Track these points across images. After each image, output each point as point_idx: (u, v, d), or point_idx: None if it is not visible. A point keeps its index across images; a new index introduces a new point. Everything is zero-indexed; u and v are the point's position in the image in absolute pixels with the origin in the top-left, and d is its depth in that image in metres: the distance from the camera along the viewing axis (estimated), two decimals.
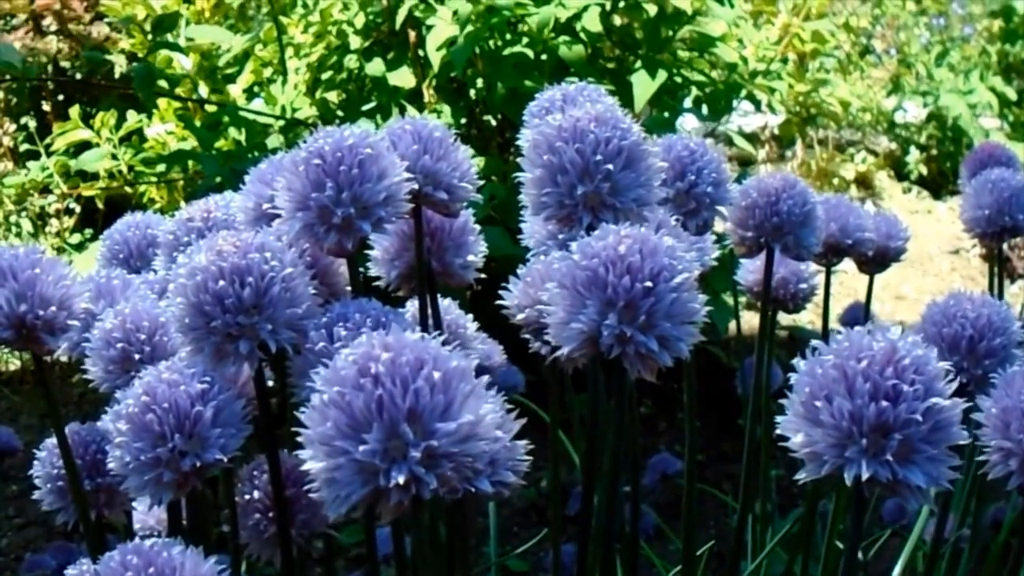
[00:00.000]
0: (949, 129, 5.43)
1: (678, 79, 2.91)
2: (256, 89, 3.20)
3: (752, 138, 4.80)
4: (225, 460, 1.01)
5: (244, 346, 0.99)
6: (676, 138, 1.26)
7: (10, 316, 1.07)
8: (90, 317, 1.15)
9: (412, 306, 1.24)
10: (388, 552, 1.29)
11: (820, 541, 1.58)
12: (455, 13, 2.67)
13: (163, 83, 2.79)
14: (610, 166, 1.03)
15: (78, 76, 3.97)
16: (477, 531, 2.28)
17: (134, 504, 1.23)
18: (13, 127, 3.96)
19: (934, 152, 5.49)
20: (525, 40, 2.78)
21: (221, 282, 0.98)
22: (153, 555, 0.85)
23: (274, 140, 2.79)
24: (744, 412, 1.72)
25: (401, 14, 2.76)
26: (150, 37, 2.73)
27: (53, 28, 3.89)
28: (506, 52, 2.78)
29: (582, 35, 2.78)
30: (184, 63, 3.14)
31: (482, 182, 1.21)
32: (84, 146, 3.23)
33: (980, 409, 0.98)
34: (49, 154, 3.53)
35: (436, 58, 2.68)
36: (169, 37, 2.83)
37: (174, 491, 1.01)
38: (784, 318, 2.43)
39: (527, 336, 1.21)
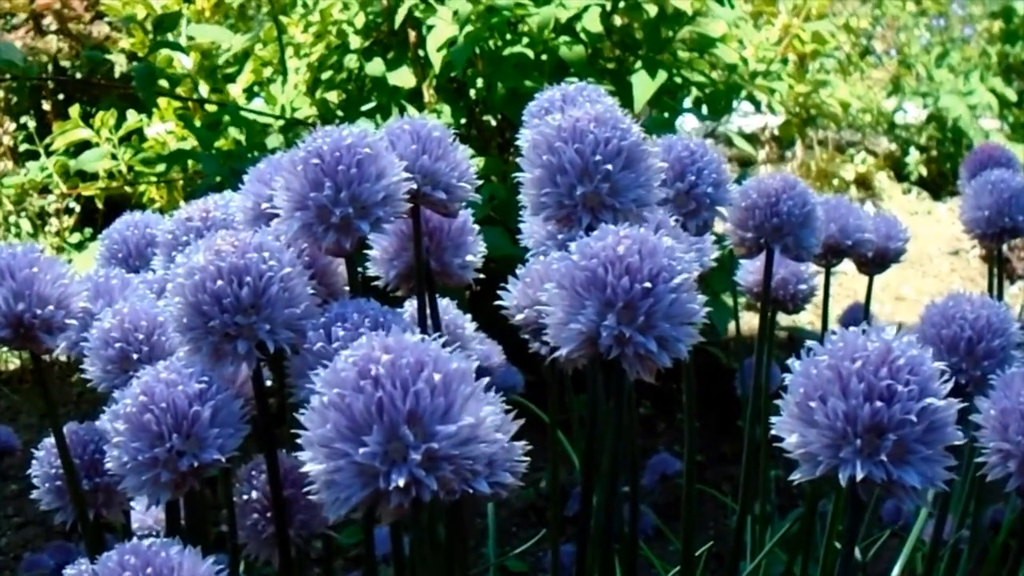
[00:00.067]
0: (949, 130, 5.43)
1: (678, 79, 2.91)
2: (256, 89, 3.20)
3: (752, 139, 4.80)
4: (223, 460, 1.01)
5: (242, 346, 0.99)
6: (676, 138, 1.26)
7: (8, 315, 1.06)
8: (88, 316, 1.15)
9: (411, 306, 1.23)
10: (387, 552, 1.29)
11: (819, 542, 1.57)
12: (455, 13, 2.67)
13: (163, 83, 2.79)
14: (609, 166, 1.03)
15: (78, 75, 3.96)
16: (476, 531, 2.27)
17: (132, 504, 1.23)
18: (13, 126, 3.96)
19: (934, 153, 5.49)
20: (525, 40, 2.78)
21: (219, 282, 0.98)
22: (151, 555, 0.85)
23: (274, 140, 2.79)
24: (743, 413, 1.72)
25: (401, 14, 2.76)
26: (151, 36, 2.73)
27: (53, 27, 3.89)
28: (506, 52, 2.77)
29: (582, 35, 2.78)
30: (184, 63, 3.14)
31: (481, 182, 1.21)
32: (84, 146, 3.23)
33: (979, 411, 0.98)
34: (49, 154, 3.53)
35: (436, 58, 2.68)
36: (170, 36, 2.83)
37: (172, 491, 1.01)
38: (784, 319, 2.43)
39: (526, 336, 1.21)
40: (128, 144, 3.24)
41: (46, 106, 4.00)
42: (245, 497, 1.14)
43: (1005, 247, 1.68)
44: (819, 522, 1.73)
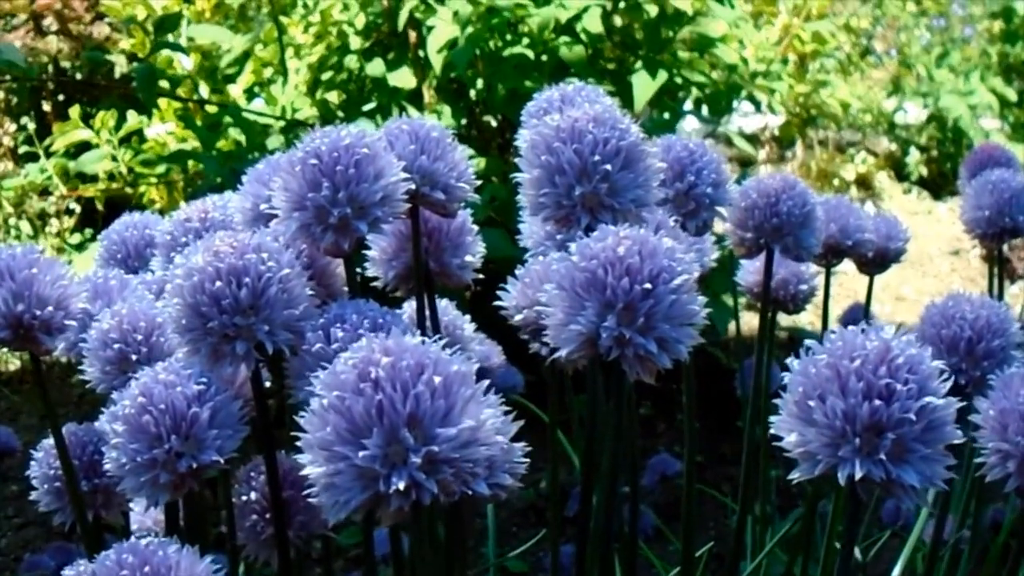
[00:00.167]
0: (949, 130, 5.43)
1: (678, 80, 2.91)
2: (256, 89, 3.20)
3: (752, 139, 4.79)
4: (222, 462, 1.01)
5: (241, 347, 0.99)
6: (675, 139, 1.25)
7: (7, 316, 1.06)
8: (87, 317, 1.15)
9: (410, 307, 1.23)
10: (386, 552, 1.29)
11: (819, 542, 1.57)
12: (455, 14, 2.67)
13: (164, 84, 2.79)
14: (608, 166, 1.03)
15: (78, 76, 3.96)
16: (476, 531, 2.27)
17: (131, 505, 1.23)
18: (13, 127, 3.95)
19: (934, 153, 5.49)
20: (525, 41, 2.78)
21: (218, 283, 0.98)
22: (149, 554, 0.85)
23: (274, 141, 2.79)
24: (743, 413, 1.71)
25: (402, 15, 2.76)
26: (151, 37, 2.73)
27: (54, 28, 3.89)
28: (506, 53, 2.77)
29: (582, 36, 2.78)
30: (185, 63, 3.14)
31: (480, 182, 1.21)
32: (84, 147, 3.23)
33: (978, 411, 0.98)
34: (48, 155, 3.53)
35: (437, 59, 2.68)
36: (170, 37, 2.83)
37: (170, 492, 1.01)
38: (784, 319, 2.42)
39: (526, 337, 1.21)
40: (128, 145, 3.24)
41: (46, 107, 4.00)
42: (244, 498, 1.13)
43: (1005, 247, 1.68)
44: (819, 522, 1.73)
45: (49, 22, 3.87)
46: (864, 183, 5.25)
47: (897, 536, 1.91)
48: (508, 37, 2.82)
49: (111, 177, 3.27)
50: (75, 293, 1.11)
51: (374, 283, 1.24)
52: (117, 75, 3.82)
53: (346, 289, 1.18)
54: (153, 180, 3.16)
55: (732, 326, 2.68)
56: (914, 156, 5.45)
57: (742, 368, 2.05)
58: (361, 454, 0.73)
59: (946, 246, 4.76)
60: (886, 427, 0.81)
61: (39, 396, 1.15)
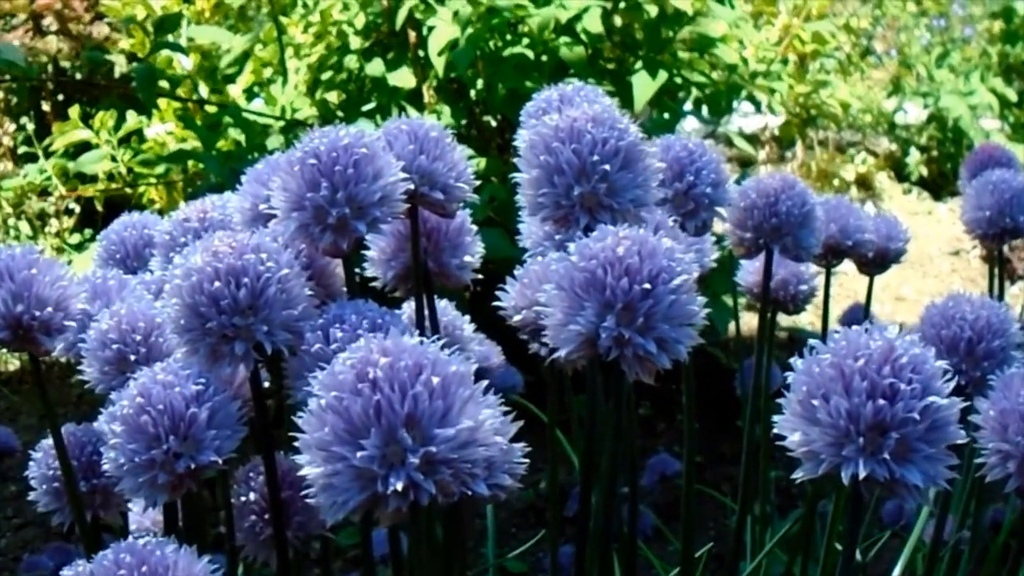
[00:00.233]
0: (949, 130, 5.43)
1: (678, 80, 2.90)
2: (256, 89, 3.20)
3: (752, 139, 4.79)
4: (220, 462, 1.00)
5: (239, 347, 0.99)
6: (674, 138, 1.25)
7: (7, 317, 1.06)
8: (86, 318, 1.15)
9: (409, 307, 1.23)
10: (385, 553, 1.29)
11: (819, 542, 1.57)
12: (455, 14, 2.67)
13: (164, 84, 2.79)
14: (607, 166, 1.03)
15: (78, 76, 3.96)
16: (476, 532, 2.27)
17: (130, 505, 1.23)
18: (12, 128, 3.95)
19: (934, 153, 5.48)
20: (525, 41, 2.78)
21: (217, 283, 0.98)
22: (146, 554, 0.85)
23: (274, 141, 2.79)
24: (743, 413, 1.71)
25: (401, 15, 2.76)
26: (151, 37, 2.73)
27: (53, 28, 3.89)
28: (506, 53, 2.77)
29: (582, 36, 2.78)
30: (185, 64, 3.14)
31: (479, 182, 1.21)
32: (83, 147, 3.23)
33: (978, 411, 0.98)
34: (48, 155, 3.53)
35: (438, 60, 2.67)
36: (170, 38, 2.83)
37: (169, 493, 1.01)
38: (784, 319, 2.42)
39: (525, 337, 1.20)
40: (128, 145, 3.24)
41: (45, 107, 4.00)
42: (243, 499, 1.13)
43: (1005, 247, 1.67)
44: (819, 522, 1.73)
45: (49, 22, 3.87)
46: (864, 183, 5.24)
47: (897, 536, 1.91)
48: (508, 37, 2.82)
49: (110, 177, 3.26)
50: (74, 294, 1.11)
51: (373, 283, 1.24)
52: (117, 75, 3.82)
53: (345, 289, 1.18)
54: (152, 180, 3.16)
55: (732, 326, 2.67)
56: (914, 156, 5.44)
57: (742, 368, 2.05)
58: (359, 454, 0.73)
59: (946, 246, 4.75)
60: (890, 426, 0.81)
61: (38, 396, 1.15)
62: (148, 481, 1.00)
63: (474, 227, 1.25)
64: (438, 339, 0.81)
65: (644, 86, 2.71)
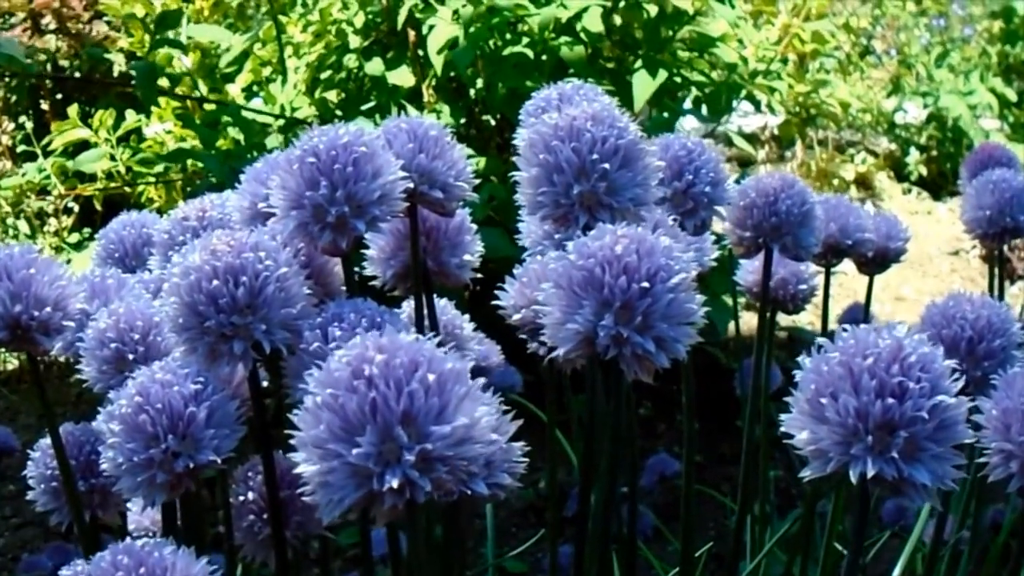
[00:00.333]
0: (949, 130, 5.43)
1: (678, 79, 2.90)
2: (255, 88, 3.20)
3: (752, 139, 4.79)
4: (218, 461, 1.00)
5: (238, 346, 0.99)
6: (673, 137, 1.25)
7: (5, 316, 1.06)
8: (85, 317, 1.15)
9: (408, 306, 1.23)
10: (385, 553, 1.29)
11: (819, 542, 1.57)
12: (455, 13, 2.67)
13: (163, 81, 2.78)
14: (606, 165, 1.03)
15: (77, 75, 3.96)
16: (475, 532, 2.27)
17: (128, 505, 1.23)
18: (11, 126, 3.95)
19: (934, 153, 5.48)
20: (525, 40, 2.77)
21: (215, 281, 0.98)
22: (144, 555, 0.84)
23: (273, 140, 2.79)
24: (743, 413, 1.71)
25: (402, 14, 2.75)
26: (151, 35, 2.72)
27: (52, 27, 3.88)
28: (506, 52, 2.77)
29: (582, 35, 2.77)
30: (184, 62, 3.14)
31: (478, 181, 1.21)
32: (82, 146, 3.22)
33: (980, 411, 0.97)
34: (47, 154, 3.52)
35: (437, 59, 2.67)
36: (171, 35, 2.83)
37: (167, 492, 1.01)
38: (783, 319, 2.42)
39: (524, 336, 1.20)
40: (127, 144, 3.23)
41: (44, 106, 3.99)
42: (241, 498, 1.13)
43: (1005, 247, 1.67)
44: (818, 522, 1.72)
45: (47, 21, 3.86)
46: (864, 183, 5.24)
47: (897, 536, 1.91)
48: (508, 36, 2.81)
49: (109, 176, 3.26)
50: (73, 293, 1.11)
51: (372, 282, 1.23)
52: (115, 74, 3.81)
53: (344, 288, 1.17)
54: (151, 179, 3.16)
55: (732, 326, 2.67)
56: (914, 156, 5.44)
57: (741, 368, 2.05)
58: (355, 452, 0.73)
59: (946, 246, 4.75)
60: (898, 425, 0.81)
61: (37, 396, 1.14)
62: (146, 480, 0.99)
63: (473, 226, 1.25)
64: (433, 336, 0.80)
65: (644, 85, 2.70)
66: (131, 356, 1.11)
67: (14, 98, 3.98)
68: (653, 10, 2.80)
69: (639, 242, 0.93)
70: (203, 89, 3.18)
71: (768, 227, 1.33)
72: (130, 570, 0.83)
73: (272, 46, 3.11)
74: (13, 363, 3.40)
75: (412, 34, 2.80)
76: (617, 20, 2.92)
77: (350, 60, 2.93)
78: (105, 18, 3.83)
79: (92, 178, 3.38)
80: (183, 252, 1.02)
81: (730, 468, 2.79)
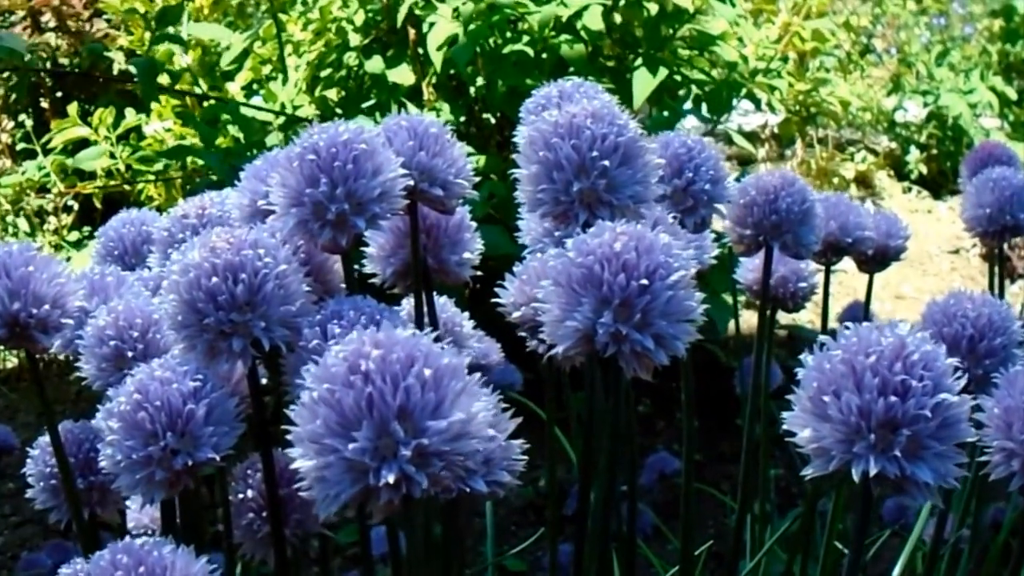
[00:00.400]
0: (949, 128, 5.42)
1: (678, 77, 2.90)
2: (255, 87, 3.20)
3: (752, 137, 4.79)
4: (217, 459, 1.00)
5: (237, 343, 0.98)
6: (673, 135, 1.25)
7: (3, 314, 1.06)
8: (84, 314, 1.14)
9: (408, 304, 1.23)
10: (384, 551, 1.29)
11: (819, 541, 1.57)
12: (455, 11, 2.66)
13: (164, 78, 2.78)
14: (606, 162, 1.02)
15: (77, 72, 3.95)
16: (475, 530, 2.27)
17: (128, 503, 1.23)
18: (11, 125, 3.95)
19: (934, 151, 5.48)
20: (525, 38, 2.77)
21: (214, 279, 0.98)
22: (143, 554, 0.84)
23: (273, 138, 2.79)
24: (743, 411, 1.71)
25: (401, 12, 2.75)
26: (151, 32, 2.72)
27: (52, 25, 3.88)
28: (506, 50, 2.77)
29: (583, 33, 2.77)
30: (184, 60, 3.14)
31: (479, 179, 1.20)
32: (82, 144, 3.22)
33: (982, 409, 0.97)
34: (46, 152, 3.52)
35: (437, 57, 2.67)
36: (171, 30, 2.82)
37: (166, 490, 1.01)
38: (783, 317, 2.42)
39: (524, 334, 1.20)
40: (126, 142, 3.23)
41: (44, 104, 3.99)
42: (240, 496, 1.13)
43: (1005, 246, 1.67)
44: (819, 521, 1.72)
45: (47, 19, 3.86)
46: (864, 181, 5.24)
47: (897, 535, 1.91)
48: (508, 34, 2.81)
49: (109, 174, 3.26)
50: (72, 291, 1.11)
51: (372, 280, 1.23)
52: (115, 72, 3.81)
53: (344, 286, 1.17)
54: (151, 177, 3.16)
55: (731, 324, 2.67)
56: (914, 155, 5.44)
57: (741, 366, 2.05)
58: (351, 447, 0.73)
59: (946, 245, 4.75)
60: (901, 423, 0.80)
61: (36, 394, 1.14)
62: (145, 478, 0.99)
63: (473, 224, 1.24)
64: (429, 332, 0.80)
65: (644, 84, 2.70)
66: (130, 354, 1.11)
67: (13, 96, 3.98)
68: (653, 8, 2.80)
69: (638, 239, 0.93)
70: (203, 87, 3.18)
71: (768, 225, 1.33)
72: (129, 569, 0.83)
73: (272, 44, 3.11)
74: (12, 361, 3.40)
75: (412, 32, 2.80)
76: (617, 18, 2.92)
77: (350, 58, 2.93)
78: (105, 16, 3.83)
79: (92, 176, 3.38)
80: (182, 250, 1.02)
81: (730, 466, 2.79)
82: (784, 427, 0.86)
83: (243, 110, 2.81)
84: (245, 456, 1.14)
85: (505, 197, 2.52)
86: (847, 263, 1.72)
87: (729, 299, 2.36)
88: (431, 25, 2.72)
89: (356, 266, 1.19)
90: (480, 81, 2.84)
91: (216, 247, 0.99)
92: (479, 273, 1.25)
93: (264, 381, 1.11)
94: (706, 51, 3.01)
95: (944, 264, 4.63)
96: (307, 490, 0.77)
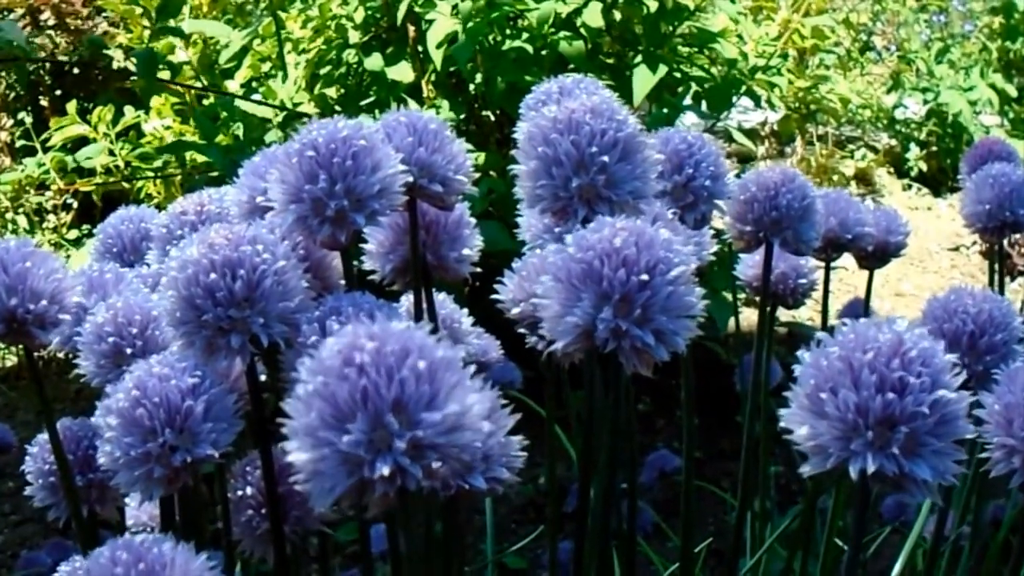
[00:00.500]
0: (949, 126, 5.42)
1: (678, 75, 2.90)
2: (254, 85, 3.19)
3: (752, 134, 4.78)
4: (216, 455, 1.00)
5: (235, 340, 0.98)
6: (673, 131, 1.24)
7: (1, 310, 1.05)
8: (82, 311, 1.14)
9: (407, 301, 1.22)
10: (384, 549, 1.28)
11: (819, 538, 1.57)
12: (455, 8, 2.66)
13: (164, 74, 2.78)
14: (605, 158, 1.02)
15: (76, 71, 3.95)
16: (475, 528, 2.27)
17: (127, 500, 1.22)
18: (10, 122, 3.95)
19: (934, 149, 5.48)
20: (525, 35, 2.77)
21: (212, 275, 0.97)
22: (143, 551, 0.84)
23: (273, 135, 2.78)
24: (743, 409, 1.71)
25: (401, 9, 2.75)
26: (153, 20, 2.72)
27: (51, 23, 3.88)
28: (506, 47, 2.77)
29: (582, 31, 2.77)
30: (183, 56, 3.13)
31: (478, 175, 1.20)
32: (81, 142, 3.22)
33: (982, 405, 0.97)
34: (46, 150, 3.52)
35: (437, 54, 2.67)
36: (171, 23, 2.82)
37: (165, 487, 1.00)
38: (783, 314, 2.42)
39: (523, 331, 1.20)
40: (126, 140, 3.23)
41: (43, 102, 3.99)
42: (240, 493, 1.12)
43: (1005, 243, 1.67)
44: (819, 518, 1.72)
45: (47, 17, 3.86)
46: (863, 179, 5.24)
47: (897, 532, 1.91)
48: (508, 31, 2.81)
49: (108, 172, 3.26)
50: (70, 287, 1.10)
51: (371, 276, 1.23)
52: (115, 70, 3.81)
53: (343, 282, 1.17)
54: (150, 174, 3.16)
55: (731, 321, 2.67)
56: (914, 152, 5.44)
57: (741, 363, 2.04)
58: (345, 439, 0.72)
59: (946, 242, 4.75)
60: (899, 420, 0.80)
61: (35, 392, 1.14)
62: (144, 475, 0.99)
63: (472, 220, 1.24)
64: (424, 324, 0.80)
65: (643, 81, 2.70)
66: (129, 350, 1.10)
67: (13, 94, 3.98)
68: (653, 5, 2.80)
69: (638, 235, 0.92)
70: (203, 82, 3.18)
71: (769, 221, 1.33)
72: (129, 566, 0.83)
73: (271, 42, 3.10)
74: (12, 359, 3.39)
75: (412, 29, 2.80)
76: (617, 15, 2.92)
77: (349, 56, 2.93)
78: (104, 14, 3.83)
79: (91, 174, 3.38)
80: (181, 246, 1.02)
81: (730, 464, 2.79)
82: (781, 424, 0.85)
83: (243, 106, 2.81)
84: (244, 453, 1.14)
85: (504, 193, 2.52)
86: (847, 260, 1.72)
87: (729, 296, 2.36)
88: (430, 22, 2.72)
89: (355, 262, 1.18)
90: (479, 78, 2.84)
91: (215, 243, 0.99)
92: (478, 270, 1.25)
93: (263, 378, 1.11)
94: (706, 48, 3.01)
95: (944, 261, 4.63)
96: (303, 483, 0.76)
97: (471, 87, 2.88)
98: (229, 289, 0.97)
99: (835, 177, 5.03)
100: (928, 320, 1.15)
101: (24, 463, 1.21)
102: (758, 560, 1.54)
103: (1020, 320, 1.16)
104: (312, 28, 3.03)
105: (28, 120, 3.79)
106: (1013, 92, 5.57)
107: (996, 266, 1.68)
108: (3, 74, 3.76)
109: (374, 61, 2.84)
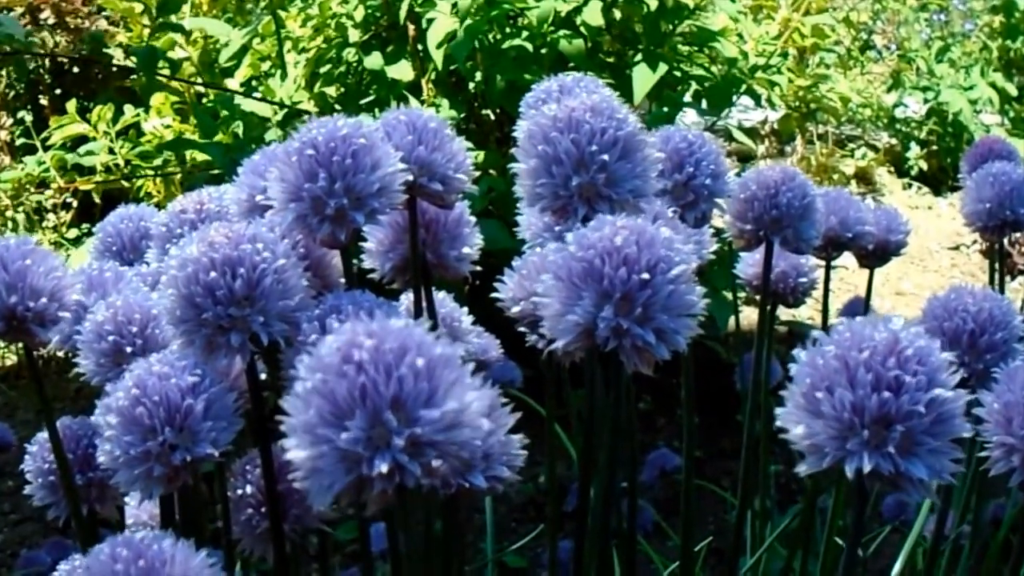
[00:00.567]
0: (949, 125, 5.42)
1: (678, 73, 2.90)
2: (254, 83, 3.19)
3: (752, 133, 4.78)
4: (216, 454, 1.00)
5: (235, 338, 0.98)
6: (674, 129, 1.24)
7: (1, 308, 1.05)
8: (82, 309, 1.14)
9: (407, 299, 1.22)
10: (384, 548, 1.28)
11: (819, 537, 1.56)
12: (454, 6, 2.66)
13: (164, 70, 2.78)
14: (606, 156, 1.02)
15: (75, 69, 3.95)
16: (475, 527, 2.27)
17: (126, 499, 1.22)
18: (10, 121, 3.95)
19: (934, 148, 5.48)
20: (525, 34, 2.77)
21: (212, 273, 0.97)
22: (143, 547, 0.84)
23: (272, 134, 2.78)
24: (743, 408, 1.71)
25: (401, 8, 2.75)
26: (151, 21, 2.72)
27: (51, 21, 3.88)
28: (505, 45, 2.77)
29: (582, 29, 2.77)
30: (183, 54, 3.13)
31: (478, 174, 1.20)
32: (81, 140, 3.22)
33: (982, 404, 0.97)
34: (46, 148, 3.52)
35: (437, 53, 2.67)
36: (172, 19, 2.82)
37: (165, 485, 1.00)
38: (783, 313, 2.42)
39: (524, 330, 1.20)
40: (126, 138, 3.23)
41: (43, 100, 3.99)
42: (239, 492, 1.12)
43: (1006, 242, 1.67)
44: (819, 517, 1.72)
45: (46, 15, 3.86)
46: (864, 178, 5.24)
47: (897, 531, 1.91)
48: (507, 30, 2.81)
49: (108, 170, 3.26)
50: (69, 284, 1.10)
51: (371, 275, 1.23)
52: (114, 70, 3.81)
53: (343, 281, 1.17)
54: (150, 173, 3.16)
55: (732, 320, 2.67)
56: (914, 151, 5.44)
57: (742, 362, 2.04)
58: (343, 436, 0.72)
59: (946, 241, 4.75)
60: (895, 419, 0.80)
61: (35, 391, 1.14)
62: (144, 473, 0.99)
63: (472, 219, 1.24)
64: (423, 322, 0.79)
65: (644, 79, 2.70)
66: (129, 349, 1.10)
67: (12, 93, 3.98)
68: (653, 4, 2.80)
69: (639, 233, 0.92)
70: (203, 80, 3.18)
71: (769, 220, 1.33)
72: (129, 562, 0.82)
73: (271, 41, 3.10)
74: (11, 358, 3.39)
75: (412, 28, 2.80)
76: (617, 14, 2.92)
77: (349, 54, 2.93)
78: (104, 13, 3.83)
79: (91, 172, 3.38)
80: (181, 245, 1.02)
81: (730, 463, 2.79)
82: (778, 423, 0.85)
83: (243, 104, 2.81)
84: (244, 452, 1.14)
85: (504, 192, 2.52)
86: (847, 260, 1.72)
87: (729, 295, 2.36)
88: (430, 21, 2.72)
89: (355, 261, 1.18)
90: (479, 76, 2.83)
91: (214, 242, 0.99)
92: (478, 268, 1.25)
93: (263, 376, 1.11)
94: (706, 47, 3.01)
95: (944, 260, 4.63)
96: (301, 481, 0.76)
97: (471, 86, 2.88)
98: (229, 287, 0.97)
99: (835, 176, 5.03)
100: (928, 319, 1.15)
101: (24, 462, 1.21)
102: (758, 559, 1.54)
103: (1020, 319, 1.16)
104: (312, 27, 3.03)
105: (28, 119, 3.79)
106: (1013, 91, 5.57)
107: (996, 265, 1.68)
108: (3, 72, 3.76)
109: (374, 60, 2.84)
